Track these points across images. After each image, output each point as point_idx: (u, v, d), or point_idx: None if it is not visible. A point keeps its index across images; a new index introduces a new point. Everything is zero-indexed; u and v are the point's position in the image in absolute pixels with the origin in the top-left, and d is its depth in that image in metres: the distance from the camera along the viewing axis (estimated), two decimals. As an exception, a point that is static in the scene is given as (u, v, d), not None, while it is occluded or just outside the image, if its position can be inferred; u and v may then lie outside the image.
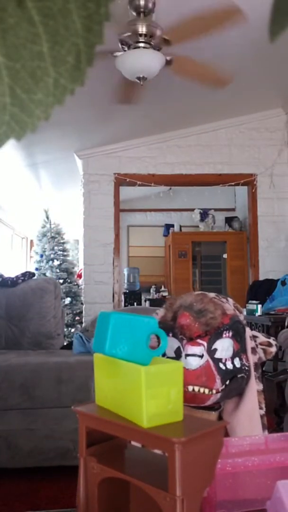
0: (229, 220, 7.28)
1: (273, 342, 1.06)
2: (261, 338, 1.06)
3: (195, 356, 0.92)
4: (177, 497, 0.34)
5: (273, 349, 1.05)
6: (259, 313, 4.09)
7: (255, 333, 1.06)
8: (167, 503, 0.35)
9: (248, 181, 5.17)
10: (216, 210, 7.37)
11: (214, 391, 0.90)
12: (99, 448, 0.43)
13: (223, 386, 0.92)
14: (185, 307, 0.95)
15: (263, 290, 4.64)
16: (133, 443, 0.48)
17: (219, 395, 0.92)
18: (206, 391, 0.89)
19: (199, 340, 0.94)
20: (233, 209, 7.62)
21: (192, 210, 7.37)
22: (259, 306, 4.13)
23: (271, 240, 5.18)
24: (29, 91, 0.20)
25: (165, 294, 7.30)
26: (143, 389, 0.38)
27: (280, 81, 4.29)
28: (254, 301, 4.23)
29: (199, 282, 7.49)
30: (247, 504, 0.54)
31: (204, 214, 7.30)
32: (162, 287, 7.59)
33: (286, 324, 3.55)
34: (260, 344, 1.04)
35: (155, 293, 7.48)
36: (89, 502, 0.40)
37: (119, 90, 3.07)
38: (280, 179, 5.16)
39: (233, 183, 5.19)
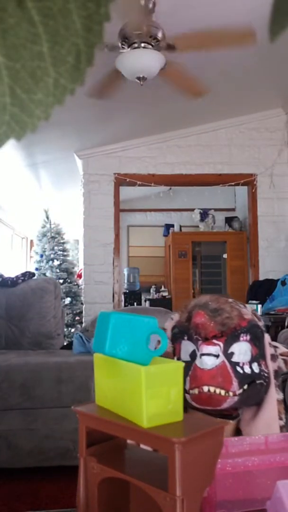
0: (229, 220, 7.28)
1: None
2: (282, 348, 1.03)
3: (210, 356, 0.89)
4: (177, 497, 0.34)
5: None
6: (259, 313, 4.09)
7: (275, 343, 1.03)
8: (167, 503, 0.35)
9: (248, 181, 5.17)
10: (216, 210, 7.37)
11: (231, 393, 0.87)
12: (99, 448, 0.43)
13: (241, 390, 0.89)
14: (199, 306, 0.93)
15: (263, 290, 4.64)
16: (129, 441, 0.48)
17: (236, 398, 0.88)
18: (223, 392, 0.87)
19: (214, 341, 0.91)
20: (233, 209, 7.62)
21: (192, 210, 7.36)
22: (259, 306, 4.13)
23: (271, 240, 5.18)
24: (29, 91, 0.20)
25: (165, 294, 7.30)
26: (143, 389, 0.38)
27: (280, 81, 4.29)
28: (254, 301, 4.23)
29: (199, 282, 7.49)
30: (247, 504, 0.54)
31: (204, 214, 7.30)
32: (162, 287, 7.59)
33: (286, 324, 3.55)
34: (281, 354, 1.00)
35: (155, 293, 7.48)
36: (89, 502, 0.40)
37: (101, 84, 3.06)
38: (280, 179, 5.16)
39: (233, 183, 5.19)
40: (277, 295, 4.44)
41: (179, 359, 0.95)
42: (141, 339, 0.42)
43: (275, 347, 1.01)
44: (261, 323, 0.99)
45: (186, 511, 0.33)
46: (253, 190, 5.20)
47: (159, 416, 0.39)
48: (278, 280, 4.58)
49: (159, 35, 2.75)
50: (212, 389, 0.87)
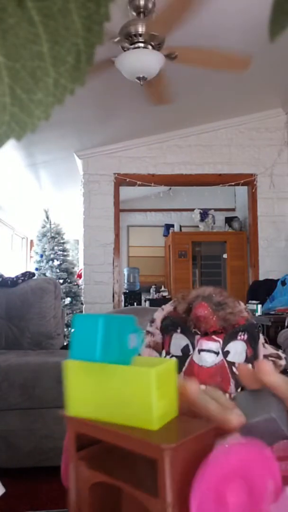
0: (229, 220, 7.29)
1: (282, 355, 0.98)
2: (270, 349, 0.98)
3: (211, 353, 0.83)
4: (168, 503, 0.34)
5: (283, 362, 0.97)
6: (259, 313, 4.09)
7: (264, 343, 0.99)
8: (157, 509, 0.34)
9: (248, 181, 5.18)
10: (216, 210, 7.37)
11: (227, 396, 0.82)
12: (89, 452, 0.42)
13: (235, 394, 0.85)
14: (203, 297, 0.86)
15: (263, 290, 4.64)
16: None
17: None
18: None
19: (214, 336, 0.85)
20: (233, 209, 7.63)
21: (192, 210, 7.37)
22: (259, 306, 4.13)
23: (271, 240, 5.18)
24: (29, 91, 0.20)
25: (165, 294, 7.30)
26: (153, 391, 0.38)
27: (280, 81, 4.29)
28: (254, 301, 4.23)
29: (199, 282, 7.49)
30: None
31: (204, 214, 7.30)
32: (162, 287, 7.59)
33: (286, 324, 3.55)
34: (270, 355, 0.96)
35: (155, 293, 7.48)
36: (81, 507, 0.40)
37: (150, 92, 3.11)
38: (280, 179, 5.17)
39: (233, 183, 5.19)
40: (277, 295, 4.44)
41: (168, 353, 0.89)
42: (123, 339, 0.42)
43: (264, 348, 0.98)
44: (255, 323, 0.95)
45: (178, 517, 0.33)
46: (253, 190, 5.20)
47: (164, 415, 0.39)
48: (278, 280, 4.59)
49: (163, 39, 2.76)
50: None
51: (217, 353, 0.84)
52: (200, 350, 0.84)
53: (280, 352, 1.00)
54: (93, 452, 0.42)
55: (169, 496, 0.33)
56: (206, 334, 0.86)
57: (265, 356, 0.97)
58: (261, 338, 0.96)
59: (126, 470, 0.41)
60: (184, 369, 0.85)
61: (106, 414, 0.39)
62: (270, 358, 0.97)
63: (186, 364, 0.85)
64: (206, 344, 0.84)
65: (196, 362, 0.84)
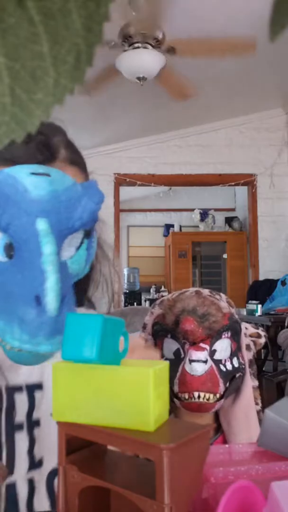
0: (229, 220, 7.28)
1: (262, 333, 1.04)
2: (250, 329, 1.04)
3: (200, 362, 0.91)
4: (165, 504, 0.34)
5: (262, 340, 1.04)
6: (259, 313, 4.09)
7: (244, 324, 1.05)
8: (154, 510, 0.34)
9: (248, 181, 5.18)
10: (216, 210, 7.37)
11: (218, 396, 0.90)
12: (79, 455, 0.42)
13: (224, 389, 0.92)
14: (188, 311, 0.93)
15: (263, 290, 4.64)
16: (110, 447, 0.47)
17: (222, 400, 0.92)
18: (211, 396, 0.89)
19: (201, 344, 0.92)
20: (233, 209, 7.62)
21: (192, 210, 7.36)
22: (259, 306, 4.14)
23: (271, 240, 5.18)
24: (29, 91, 0.20)
25: (165, 294, 7.30)
26: (151, 391, 0.37)
27: (280, 81, 4.29)
28: (254, 301, 4.23)
29: (199, 282, 7.49)
30: None
31: (204, 214, 7.30)
32: (162, 287, 7.59)
33: (286, 324, 3.55)
34: (250, 335, 1.03)
35: (155, 293, 7.48)
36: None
37: (95, 79, 3.07)
38: (280, 179, 5.17)
39: (233, 183, 5.20)
40: (277, 295, 4.44)
41: (162, 355, 0.96)
42: (114, 341, 0.41)
43: (245, 328, 1.04)
44: (236, 315, 1.00)
45: (174, 519, 0.33)
46: (253, 190, 5.20)
47: (159, 416, 0.39)
48: (278, 280, 4.59)
49: (160, 36, 2.76)
50: (202, 394, 0.89)
51: (205, 361, 0.92)
52: (190, 361, 0.91)
53: (260, 331, 1.05)
54: (84, 456, 0.41)
55: (167, 497, 0.33)
56: (194, 343, 0.93)
57: (249, 343, 1.02)
58: (242, 328, 1.01)
59: (118, 473, 0.41)
60: (178, 375, 0.92)
61: (98, 417, 0.38)
62: (250, 338, 1.02)
63: (179, 371, 0.92)
64: (195, 354, 0.91)
65: (188, 372, 0.91)
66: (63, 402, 0.40)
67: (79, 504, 0.39)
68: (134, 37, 2.73)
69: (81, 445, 0.41)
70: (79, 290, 0.70)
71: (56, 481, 0.64)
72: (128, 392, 0.37)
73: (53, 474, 0.67)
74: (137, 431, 0.36)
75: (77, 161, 0.70)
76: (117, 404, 0.38)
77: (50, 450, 0.68)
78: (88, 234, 0.58)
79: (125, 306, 6.53)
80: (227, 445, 0.47)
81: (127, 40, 2.76)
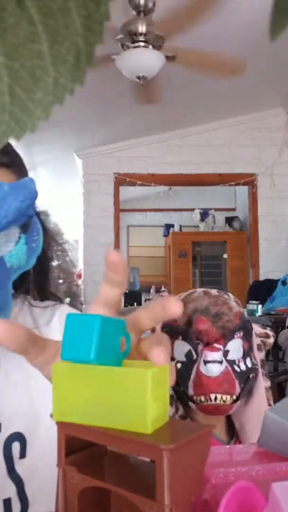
0: (229, 220, 7.28)
1: (270, 333, 1.03)
2: (258, 329, 1.03)
3: (216, 363, 0.89)
4: (165, 506, 0.34)
5: (271, 340, 1.03)
6: (259, 313, 4.09)
7: (253, 324, 1.04)
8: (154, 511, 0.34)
9: (249, 181, 5.17)
10: (216, 210, 7.37)
11: (234, 397, 0.89)
12: (79, 456, 0.42)
13: (240, 390, 0.90)
14: (201, 311, 0.92)
15: (263, 290, 4.64)
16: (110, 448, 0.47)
17: (238, 402, 0.90)
18: (228, 398, 0.88)
19: (216, 345, 0.91)
20: (234, 209, 7.62)
21: (192, 210, 7.36)
22: (260, 306, 4.13)
23: (271, 240, 5.18)
24: (29, 91, 0.20)
25: (165, 294, 7.30)
26: (149, 393, 0.37)
27: (280, 81, 4.29)
28: (254, 301, 4.23)
29: (199, 282, 7.49)
30: None
31: (204, 214, 7.30)
32: (162, 287, 7.58)
33: (286, 324, 3.55)
34: (259, 335, 1.02)
35: (155, 293, 7.48)
36: None
37: (133, 91, 3.10)
38: (281, 179, 5.16)
39: (233, 183, 5.19)
40: (278, 295, 4.44)
41: (172, 358, 0.94)
42: (116, 342, 0.41)
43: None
44: (245, 315, 1.00)
45: (175, 520, 0.32)
46: (254, 190, 5.20)
47: (158, 418, 0.39)
48: (278, 280, 4.58)
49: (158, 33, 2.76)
50: (218, 396, 0.87)
51: (221, 362, 0.90)
52: (205, 362, 0.90)
53: (268, 331, 1.04)
54: (83, 457, 0.41)
55: (167, 498, 0.33)
56: (207, 344, 0.91)
57: (261, 343, 1.01)
58: (254, 329, 1.00)
59: (118, 474, 0.41)
60: (192, 377, 0.90)
61: (97, 418, 0.38)
62: (260, 339, 1.01)
63: (193, 373, 0.90)
64: (211, 355, 0.90)
65: (203, 373, 0.89)
66: (63, 402, 0.39)
67: (78, 505, 0.38)
68: (137, 36, 2.73)
69: (81, 446, 0.41)
70: (37, 283, 0.75)
71: (14, 445, 0.65)
72: (126, 394, 0.37)
73: (11, 439, 0.66)
74: (135, 433, 0.36)
75: (4, 162, 0.71)
76: (116, 405, 0.37)
77: (10, 414, 0.66)
78: (24, 229, 0.63)
79: (125, 306, 6.53)
80: (227, 446, 0.47)
81: (131, 37, 2.76)
